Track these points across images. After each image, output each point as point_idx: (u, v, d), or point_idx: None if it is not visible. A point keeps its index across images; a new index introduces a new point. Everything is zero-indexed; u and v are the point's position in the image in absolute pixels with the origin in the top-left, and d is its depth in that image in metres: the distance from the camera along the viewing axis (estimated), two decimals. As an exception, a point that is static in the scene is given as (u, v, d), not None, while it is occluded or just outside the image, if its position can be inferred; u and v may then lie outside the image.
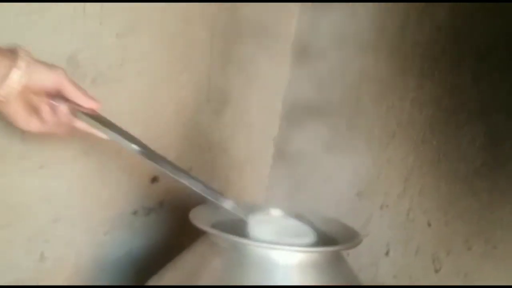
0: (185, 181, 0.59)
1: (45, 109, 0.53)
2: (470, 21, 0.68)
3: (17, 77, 0.49)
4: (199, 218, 0.58)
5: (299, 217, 0.66)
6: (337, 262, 0.58)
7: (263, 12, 0.84)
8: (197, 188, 0.60)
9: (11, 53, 0.50)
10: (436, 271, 0.72)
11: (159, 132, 0.75)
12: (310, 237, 0.60)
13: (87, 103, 0.55)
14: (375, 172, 0.81)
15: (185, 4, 0.73)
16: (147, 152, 0.57)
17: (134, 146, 0.57)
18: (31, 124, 0.53)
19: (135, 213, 0.76)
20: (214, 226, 0.59)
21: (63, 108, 0.54)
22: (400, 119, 0.78)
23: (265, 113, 0.91)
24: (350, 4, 0.83)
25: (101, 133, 0.57)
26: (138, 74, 0.71)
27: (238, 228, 0.62)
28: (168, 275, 0.59)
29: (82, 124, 0.56)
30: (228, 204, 0.61)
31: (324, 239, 0.63)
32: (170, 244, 0.76)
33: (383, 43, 0.80)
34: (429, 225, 0.74)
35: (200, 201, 0.72)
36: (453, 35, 0.71)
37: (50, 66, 0.53)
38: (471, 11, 0.68)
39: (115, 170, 0.72)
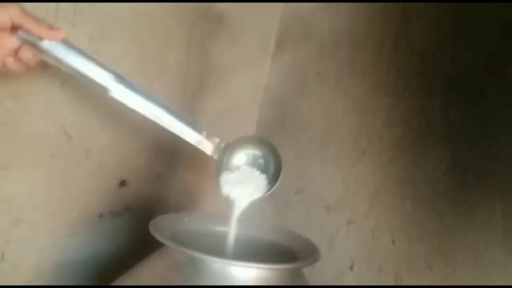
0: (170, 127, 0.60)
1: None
2: (442, 48, 0.69)
3: None
4: (159, 228, 0.58)
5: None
6: (295, 278, 0.59)
7: (242, 16, 0.83)
8: (176, 130, 0.60)
9: None
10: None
11: (128, 137, 0.75)
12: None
13: (51, 36, 0.54)
14: (344, 188, 0.81)
15: (161, 9, 0.72)
16: (124, 86, 0.57)
17: (109, 82, 0.56)
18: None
19: (101, 216, 0.76)
20: (175, 236, 0.59)
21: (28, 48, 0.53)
22: (371, 137, 0.78)
23: (242, 124, 0.91)
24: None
25: (69, 66, 0.55)
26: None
27: (200, 239, 0.62)
28: (126, 281, 0.59)
29: (50, 59, 0.55)
30: (200, 138, 0.62)
31: (284, 254, 0.63)
32: (135, 249, 0.75)
33: (360, 58, 0.80)
34: (393, 243, 0.74)
35: (167, 210, 0.71)
36: (425, 59, 0.71)
37: (4, 4, 0.52)
38: (443, 39, 0.69)
39: (81, 173, 0.72)
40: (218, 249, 0.62)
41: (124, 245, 0.78)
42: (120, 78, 0.58)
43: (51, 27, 0.55)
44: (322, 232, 0.81)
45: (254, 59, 0.87)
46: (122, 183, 0.77)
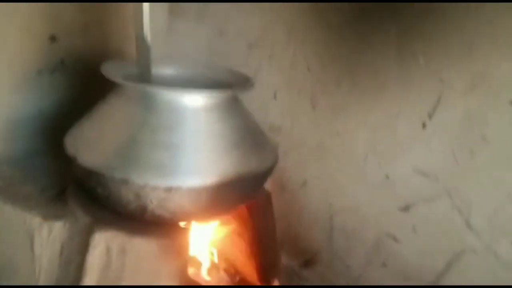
0: None
1: None
2: None
3: None
4: (110, 72, 0.63)
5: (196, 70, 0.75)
6: (235, 103, 0.69)
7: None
8: None
9: None
10: (313, 107, 0.87)
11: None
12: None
13: None
14: (262, 26, 0.90)
15: None
16: None
17: None
18: None
19: (39, 72, 0.78)
20: (124, 79, 0.65)
21: None
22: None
23: None
24: None
25: None
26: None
27: (145, 80, 0.69)
28: (87, 124, 0.65)
29: None
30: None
31: (222, 86, 0.72)
32: (78, 100, 0.80)
33: None
34: (309, 70, 0.87)
35: (100, 59, 0.75)
36: None
37: None
38: None
39: (12, 30, 0.72)
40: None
41: (66, 97, 0.82)
42: None
43: None
44: (247, 68, 0.91)
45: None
46: (53, 38, 0.78)
